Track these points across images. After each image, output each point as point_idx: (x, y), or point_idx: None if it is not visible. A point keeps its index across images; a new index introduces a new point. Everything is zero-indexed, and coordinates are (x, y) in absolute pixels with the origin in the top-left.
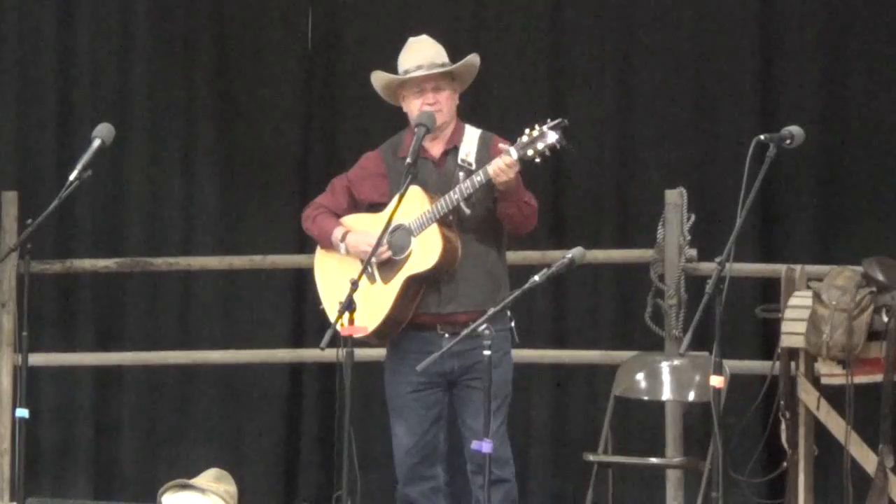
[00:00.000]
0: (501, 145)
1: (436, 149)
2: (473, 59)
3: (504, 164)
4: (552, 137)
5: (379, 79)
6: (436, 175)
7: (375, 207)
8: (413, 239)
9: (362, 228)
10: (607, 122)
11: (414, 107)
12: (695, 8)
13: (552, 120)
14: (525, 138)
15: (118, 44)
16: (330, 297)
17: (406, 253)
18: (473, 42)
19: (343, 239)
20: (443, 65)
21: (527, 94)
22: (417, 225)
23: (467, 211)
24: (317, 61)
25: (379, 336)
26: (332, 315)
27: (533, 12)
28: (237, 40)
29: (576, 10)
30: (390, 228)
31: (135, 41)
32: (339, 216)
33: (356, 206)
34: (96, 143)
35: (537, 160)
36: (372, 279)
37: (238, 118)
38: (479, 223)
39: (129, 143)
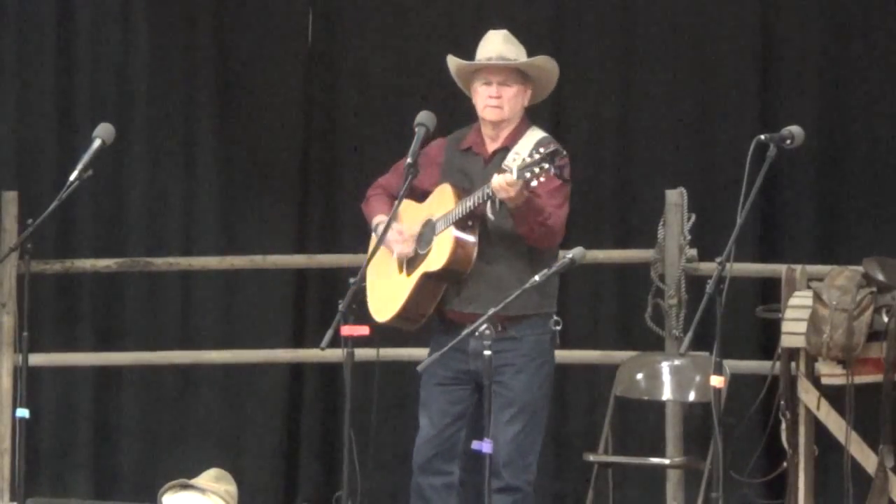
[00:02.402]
0: (504, 164)
1: (491, 146)
2: (544, 62)
3: (504, 181)
4: (547, 164)
5: (451, 64)
6: (481, 172)
7: (427, 195)
8: (434, 237)
9: (407, 218)
10: (608, 123)
11: (479, 98)
12: (696, 8)
13: (554, 145)
14: (528, 159)
15: (118, 44)
16: (370, 286)
17: (427, 249)
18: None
19: (375, 229)
20: (513, 61)
21: None
22: (440, 223)
23: (491, 217)
24: (317, 61)
25: (403, 322)
26: (370, 305)
27: (533, 14)
28: (237, 40)
29: (577, 11)
30: (423, 222)
31: (135, 41)
32: (394, 197)
33: (412, 190)
34: (96, 143)
35: (534, 183)
36: (400, 268)
37: (238, 118)
38: (507, 229)
39: (129, 143)
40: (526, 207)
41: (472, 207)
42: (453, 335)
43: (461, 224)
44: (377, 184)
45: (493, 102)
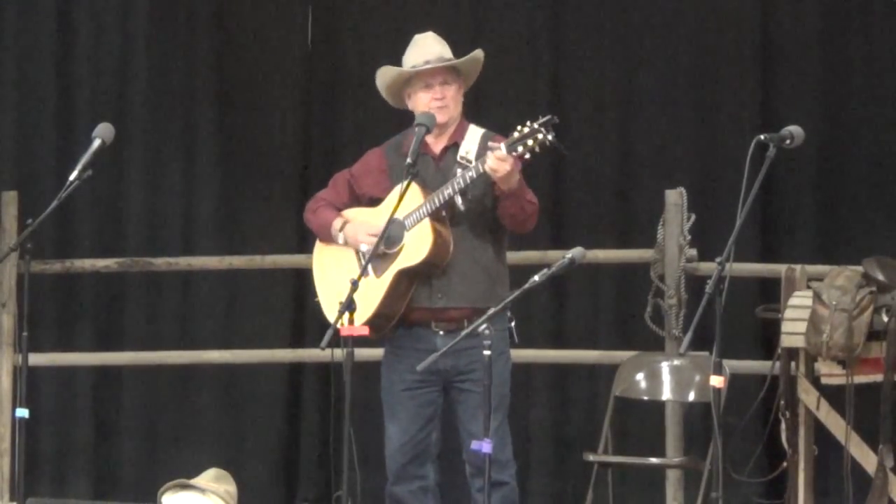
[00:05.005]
0: (491, 143)
1: (437, 145)
2: (478, 54)
3: (497, 158)
4: (541, 135)
5: (386, 75)
6: (434, 171)
7: (376, 203)
8: (406, 233)
9: (362, 220)
10: (607, 122)
11: (421, 102)
12: (695, 8)
13: (542, 117)
14: (516, 134)
15: (118, 44)
16: (326, 292)
17: (398, 247)
18: (473, 42)
19: (342, 229)
20: (450, 60)
21: (527, 95)
22: (410, 219)
23: (462, 207)
24: (317, 61)
25: (372, 328)
26: (326, 309)
27: (533, 12)
28: (237, 40)
29: (576, 10)
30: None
31: (135, 41)
32: (339, 210)
33: (357, 200)
34: (96, 143)
35: (527, 156)
36: (365, 272)
37: (238, 118)
38: (475, 219)
39: (129, 144)
40: (519, 187)
41: (450, 195)
42: (415, 334)
43: (437, 216)
44: (319, 197)
45: (439, 104)
